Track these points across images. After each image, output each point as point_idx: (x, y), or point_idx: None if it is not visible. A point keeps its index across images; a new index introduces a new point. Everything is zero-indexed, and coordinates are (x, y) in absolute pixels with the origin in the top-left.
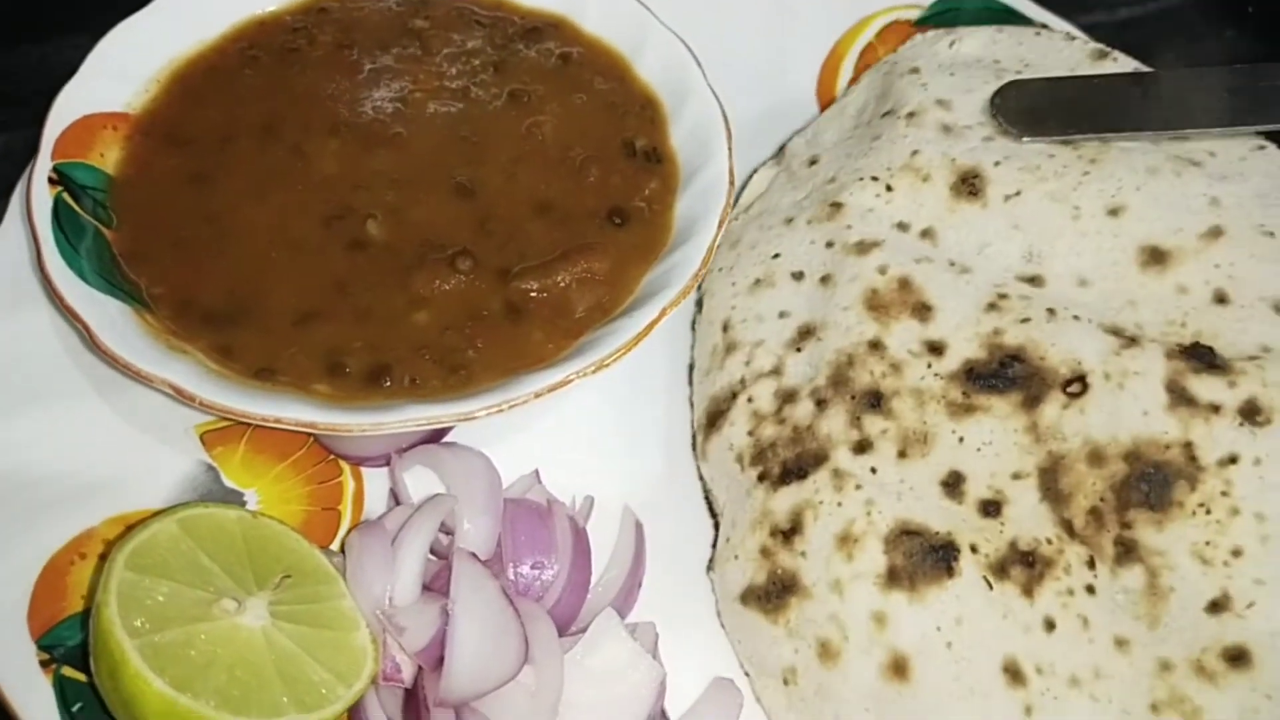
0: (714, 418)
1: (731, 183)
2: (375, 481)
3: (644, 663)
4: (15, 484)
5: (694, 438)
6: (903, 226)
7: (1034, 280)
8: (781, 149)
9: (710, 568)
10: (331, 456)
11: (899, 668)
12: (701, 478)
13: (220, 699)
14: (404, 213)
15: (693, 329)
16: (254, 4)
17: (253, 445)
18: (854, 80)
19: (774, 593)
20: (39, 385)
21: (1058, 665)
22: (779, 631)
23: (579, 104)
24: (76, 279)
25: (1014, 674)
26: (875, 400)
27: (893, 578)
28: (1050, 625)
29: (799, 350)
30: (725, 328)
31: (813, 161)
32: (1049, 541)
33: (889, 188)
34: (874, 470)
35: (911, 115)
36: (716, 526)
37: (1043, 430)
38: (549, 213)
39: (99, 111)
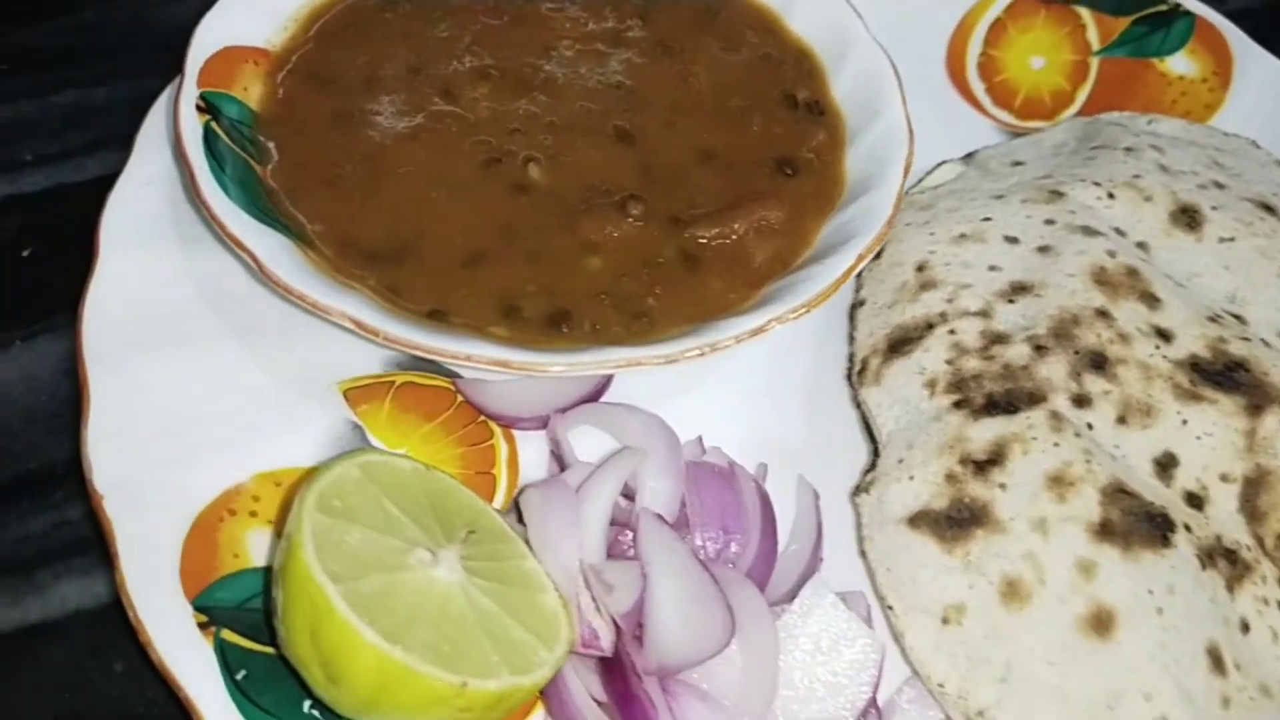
0: (899, 344)
1: (910, 132)
2: (530, 445)
3: (863, 636)
4: (156, 428)
5: (853, 369)
6: (1120, 232)
7: (1239, 319)
8: (969, 154)
9: (860, 491)
10: (481, 418)
11: (1101, 623)
12: (859, 405)
13: (432, 654)
14: (564, 157)
15: (858, 278)
16: None
17: (398, 403)
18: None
19: (958, 521)
20: (177, 329)
21: (1252, 669)
22: (953, 562)
23: (732, 56)
24: (235, 209)
25: (1216, 660)
26: (1099, 361)
27: (1106, 530)
28: (1245, 627)
29: (1011, 302)
30: (920, 268)
31: (1016, 164)
32: (1248, 548)
33: (1111, 195)
34: (1090, 426)
35: (1129, 150)
36: (876, 454)
37: (1259, 440)
38: (714, 160)
39: (240, 44)
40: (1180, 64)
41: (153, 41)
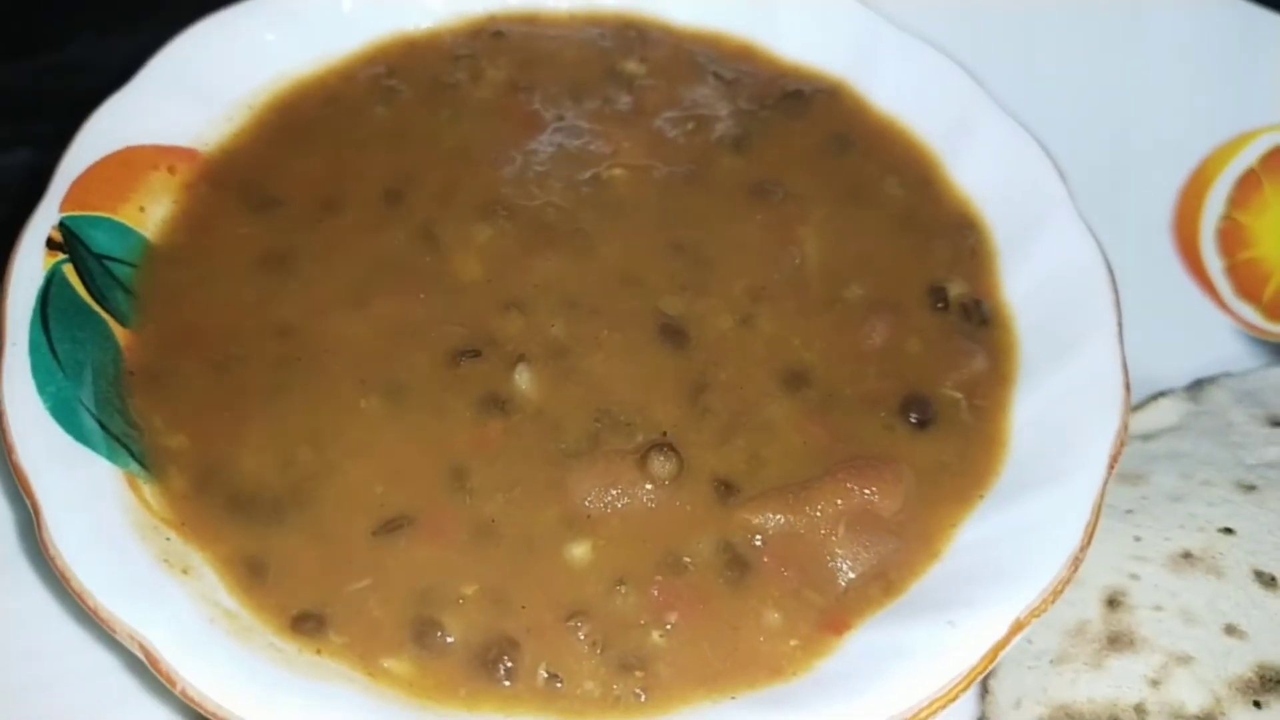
0: None
1: (1126, 381)
2: None
3: None
4: None
5: None
6: None
7: None
8: (1198, 383)
9: None
10: None
11: None
12: None
13: None
14: (574, 358)
15: None
16: (403, 16)
17: None
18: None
19: None
20: None
21: None
22: None
23: (861, 216)
24: (44, 414)
25: None
26: None
27: None
28: None
29: (1259, 707)
30: (1112, 602)
31: (1275, 423)
32: None
33: None
34: None
35: None
36: None
37: None
38: (804, 389)
39: (152, 144)
40: None
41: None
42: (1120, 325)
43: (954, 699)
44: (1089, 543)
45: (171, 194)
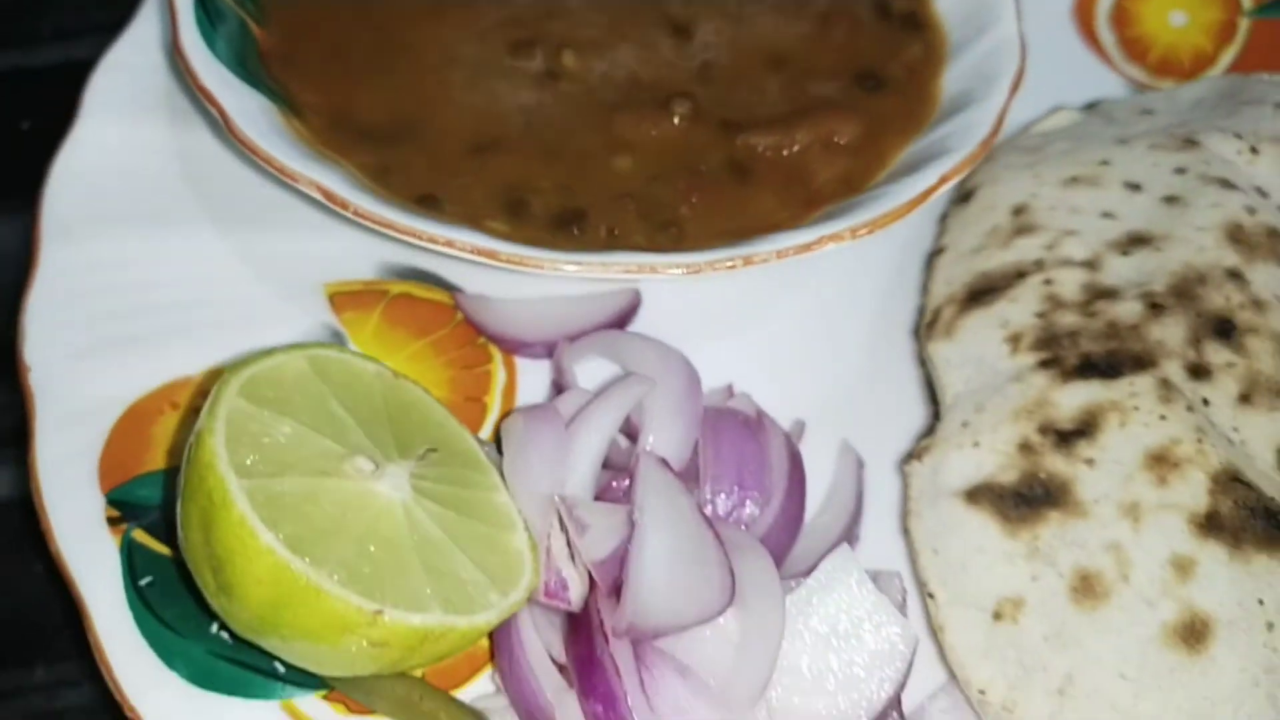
0: (981, 293)
1: (1023, 50)
2: (532, 374)
3: (892, 620)
4: (108, 308)
5: (923, 322)
6: (1262, 193)
7: None
8: (1092, 104)
9: (911, 458)
10: (481, 340)
11: (1194, 634)
12: (926, 361)
13: (346, 573)
14: (608, 47)
15: (940, 222)
16: None
17: (389, 315)
18: None
19: (1027, 499)
20: (151, 206)
21: None
22: (1014, 548)
23: None
24: (214, 62)
25: None
26: (1226, 329)
27: (1213, 525)
28: None
29: (1126, 255)
30: (1018, 211)
31: (1147, 112)
32: None
33: (1254, 150)
34: (1206, 402)
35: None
36: (937, 417)
37: None
38: (784, 67)
39: None
40: None
41: None
42: (1019, 18)
43: (898, 219)
44: (993, 137)
45: None
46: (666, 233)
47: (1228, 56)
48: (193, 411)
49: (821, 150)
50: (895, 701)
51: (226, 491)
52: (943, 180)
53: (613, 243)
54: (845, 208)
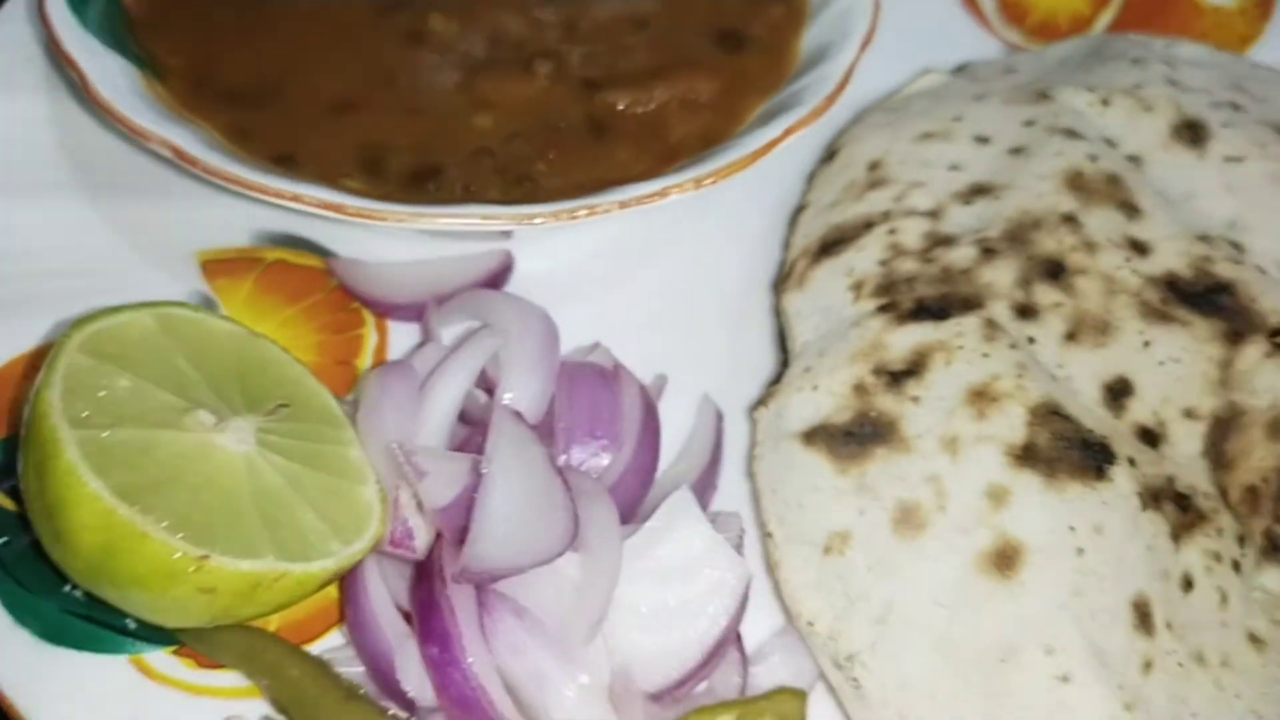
0: (832, 244)
1: (876, 8)
2: (403, 336)
3: (725, 559)
4: None
5: (780, 275)
6: (1110, 142)
7: (1235, 246)
8: (961, 67)
9: (759, 404)
10: (354, 305)
11: (1006, 560)
12: (780, 313)
13: (175, 521)
14: (475, 8)
15: (809, 181)
16: None
17: (263, 282)
18: None
19: (857, 437)
20: (26, 175)
21: (1188, 633)
22: (844, 484)
23: None
24: (77, 26)
25: (1143, 616)
26: (1055, 270)
27: (1029, 456)
28: (1188, 584)
29: (968, 204)
30: (873, 166)
31: (1010, 70)
32: (1205, 496)
33: (1105, 102)
34: (1031, 340)
35: (1136, 61)
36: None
37: (1235, 373)
38: (650, 27)
39: None
40: None
41: None
42: None
43: (740, 170)
44: (839, 92)
45: None
46: (521, 187)
47: (1105, 19)
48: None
49: (679, 108)
50: (733, 637)
51: (58, 441)
52: (787, 132)
53: (467, 198)
54: (698, 160)
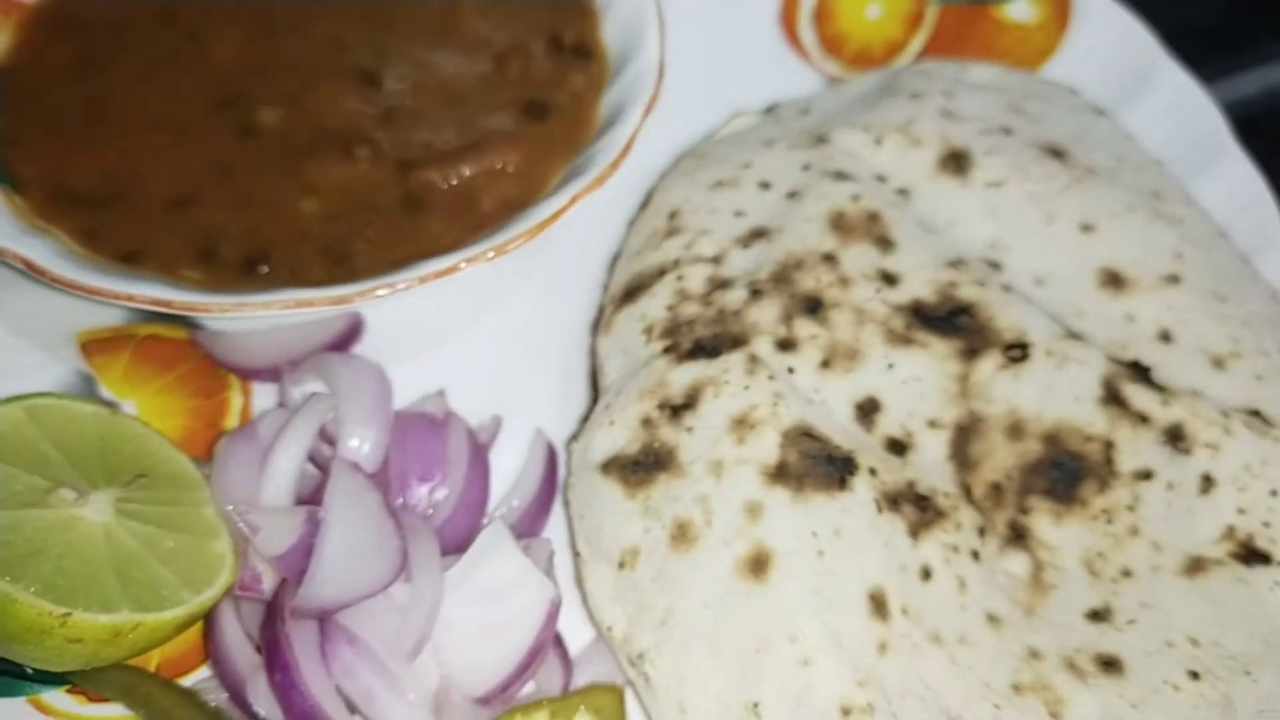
0: (632, 291)
1: (660, 74)
2: (265, 399)
3: (534, 580)
4: None
5: (597, 319)
6: (881, 179)
7: (994, 266)
8: (769, 106)
9: (573, 439)
10: (221, 371)
11: (759, 565)
12: (593, 355)
13: (41, 586)
14: (303, 100)
15: (628, 228)
16: None
17: (138, 356)
18: None
19: (644, 465)
20: None
21: (925, 616)
22: (633, 507)
23: None
24: None
25: (879, 605)
26: (814, 306)
27: (781, 474)
28: (927, 574)
29: (747, 248)
30: (672, 215)
31: (805, 112)
32: (946, 495)
33: (878, 141)
34: (791, 370)
35: (914, 96)
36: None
37: (972, 385)
38: (462, 104)
39: None
40: (1020, 10)
41: None
42: (663, 44)
43: (530, 239)
44: (621, 159)
45: (8, 31)
46: (342, 267)
47: (917, 43)
48: None
49: (487, 179)
50: (548, 645)
51: None
52: (574, 200)
53: (292, 280)
54: (504, 228)
